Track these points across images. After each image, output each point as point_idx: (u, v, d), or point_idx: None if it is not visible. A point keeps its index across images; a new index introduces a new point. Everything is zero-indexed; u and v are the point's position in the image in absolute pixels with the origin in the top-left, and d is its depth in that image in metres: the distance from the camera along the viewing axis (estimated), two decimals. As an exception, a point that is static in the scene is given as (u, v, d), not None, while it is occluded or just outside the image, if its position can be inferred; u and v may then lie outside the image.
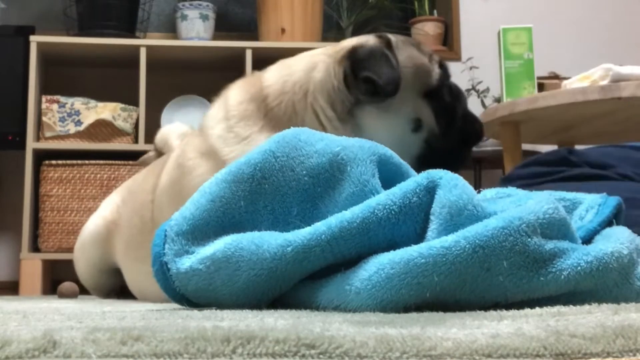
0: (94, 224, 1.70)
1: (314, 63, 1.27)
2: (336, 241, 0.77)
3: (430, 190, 0.79)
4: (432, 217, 0.78)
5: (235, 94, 1.29)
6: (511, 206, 0.80)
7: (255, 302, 0.81)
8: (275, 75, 1.28)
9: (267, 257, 0.78)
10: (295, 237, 0.78)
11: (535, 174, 1.49)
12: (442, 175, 0.80)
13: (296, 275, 0.80)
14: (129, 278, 1.60)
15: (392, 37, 1.29)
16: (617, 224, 0.88)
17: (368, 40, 1.28)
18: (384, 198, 0.78)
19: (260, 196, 0.84)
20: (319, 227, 0.78)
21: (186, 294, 0.83)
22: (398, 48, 1.27)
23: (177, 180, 1.29)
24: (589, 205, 0.92)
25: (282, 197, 0.84)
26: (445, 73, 1.30)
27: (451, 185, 0.78)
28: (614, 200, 0.91)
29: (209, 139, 1.25)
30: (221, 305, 0.82)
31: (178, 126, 2.01)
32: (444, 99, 1.28)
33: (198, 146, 1.26)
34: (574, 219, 0.90)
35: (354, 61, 1.22)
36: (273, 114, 1.23)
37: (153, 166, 1.59)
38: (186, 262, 0.81)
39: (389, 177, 0.86)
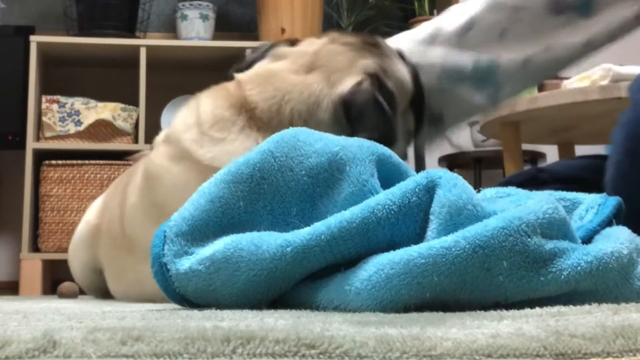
0: (81, 226, 1.71)
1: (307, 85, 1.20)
2: (336, 241, 0.77)
3: (429, 190, 0.79)
4: (431, 217, 0.78)
5: (208, 101, 1.24)
6: (511, 206, 0.80)
7: (255, 302, 0.81)
8: (255, 81, 1.23)
9: (266, 257, 0.78)
10: (294, 238, 0.78)
11: None
12: (442, 175, 0.80)
13: (296, 276, 0.80)
14: (111, 288, 1.59)
15: (379, 71, 1.22)
16: (617, 224, 0.88)
17: (360, 86, 1.19)
18: (383, 198, 0.78)
19: (259, 196, 0.84)
20: (319, 227, 0.78)
21: (186, 295, 0.83)
22: (387, 77, 1.23)
23: (146, 192, 1.26)
24: (588, 205, 0.92)
25: (281, 197, 0.84)
26: (414, 73, 1.29)
27: (451, 185, 0.78)
28: (614, 200, 0.91)
29: (180, 144, 1.20)
30: (221, 305, 0.82)
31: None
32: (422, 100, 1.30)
33: (166, 153, 1.23)
34: (574, 219, 0.90)
35: (348, 117, 1.17)
36: (257, 116, 1.19)
37: (119, 181, 1.57)
38: (185, 263, 0.81)
39: (388, 176, 0.86)
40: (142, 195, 1.29)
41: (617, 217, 0.90)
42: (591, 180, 1.43)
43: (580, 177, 1.46)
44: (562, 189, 1.44)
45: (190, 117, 1.25)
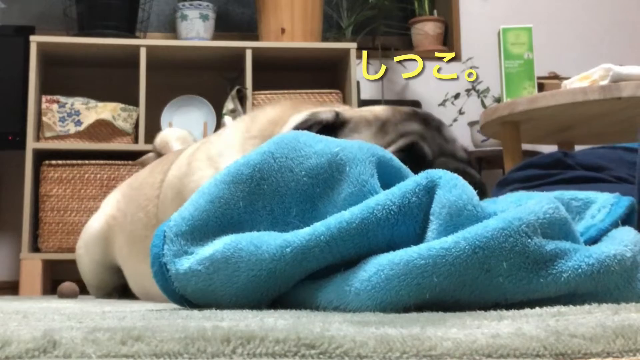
0: (97, 221, 1.71)
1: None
2: (335, 242, 0.77)
3: (429, 190, 0.79)
4: (431, 218, 0.78)
5: (265, 112, 1.27)
6: (511, 206, 0.79)
7: (255, 302, 0.81)
8: None
9: (266, 257, 0.78)
10: (294, 238, 0.78)
11: (531, 177, 1.48)
12: (442, 175, 0.79)
13: (295, 276, 0.80)
14: (131, 276, 1.60)
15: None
16: (629, 224, 0.87)
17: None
18: (383, 198, 0.78)
19: (259, 197, 0.84)
20: (318, 228, 0.78)
21: (185, 295, 0.83)
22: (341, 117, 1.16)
23: (181, 177, 1.31)
24: (601, 204, 0.91)
25: (281, 198, 0.84)
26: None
27: (451, 185, 0.78)
28: (626, 200, 0.90)
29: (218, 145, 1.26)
30: (221, 305, 0.82)
31: (176, 130, 2.06)
32: None
33: (208, 150, 1.28)
34: (586, 218, 0.89)
35: None
36: None
37: (158, 163, 1.60)
38: (185, 263, 0.81)
39: (389, 179, 0.86)
40: (177, 178, 1.32)
41: (630, 218, 0.89)
42: (614, 169, 1.43)
43: (604, 165, 1.46)
44: (587, 176, 1.44)
45: (243, 124, 1.28)
